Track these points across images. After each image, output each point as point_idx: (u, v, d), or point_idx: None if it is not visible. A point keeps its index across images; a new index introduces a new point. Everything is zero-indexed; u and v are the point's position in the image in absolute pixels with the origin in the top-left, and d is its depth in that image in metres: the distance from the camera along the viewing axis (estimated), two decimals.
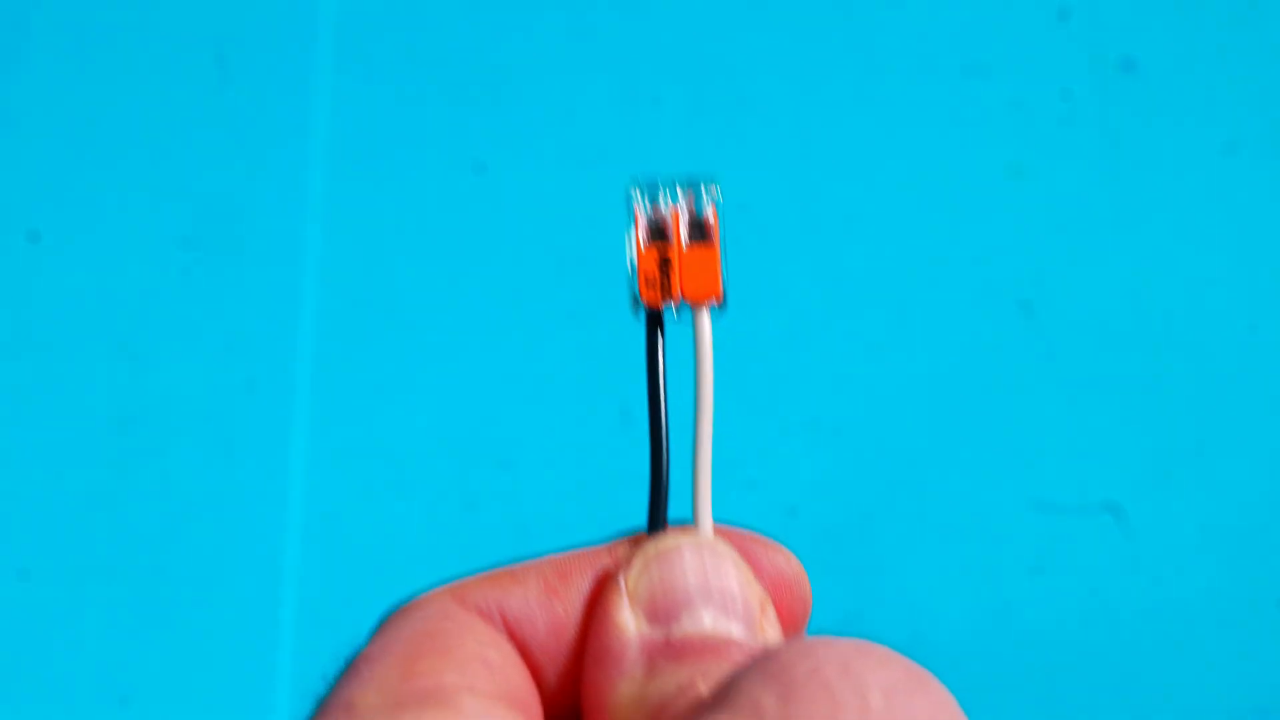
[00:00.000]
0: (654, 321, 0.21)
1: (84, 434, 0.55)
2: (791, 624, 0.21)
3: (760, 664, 0.16)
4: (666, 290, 0.21)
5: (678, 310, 0.21)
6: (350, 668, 0.18)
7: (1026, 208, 0.58)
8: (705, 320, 0.21)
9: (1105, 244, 0.58)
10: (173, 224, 0.58)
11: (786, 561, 0.21)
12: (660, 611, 0.19)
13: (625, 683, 0.19)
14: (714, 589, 0.19)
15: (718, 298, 0.22)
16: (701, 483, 0.21)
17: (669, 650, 0.19)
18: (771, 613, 0.20)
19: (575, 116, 0.60)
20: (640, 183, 0.22)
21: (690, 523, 0.21)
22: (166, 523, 0.54)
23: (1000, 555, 0.53)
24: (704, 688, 0.17)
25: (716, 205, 0.22)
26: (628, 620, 0.19)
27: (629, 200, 0.22)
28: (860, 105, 0.60)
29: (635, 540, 0.21)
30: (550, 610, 0.20)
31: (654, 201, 0.22)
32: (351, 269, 0.58)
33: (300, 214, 0.58)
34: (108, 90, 0.60)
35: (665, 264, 0.21)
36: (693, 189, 0.22)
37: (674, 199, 0.22)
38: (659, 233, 0.22)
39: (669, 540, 0.20)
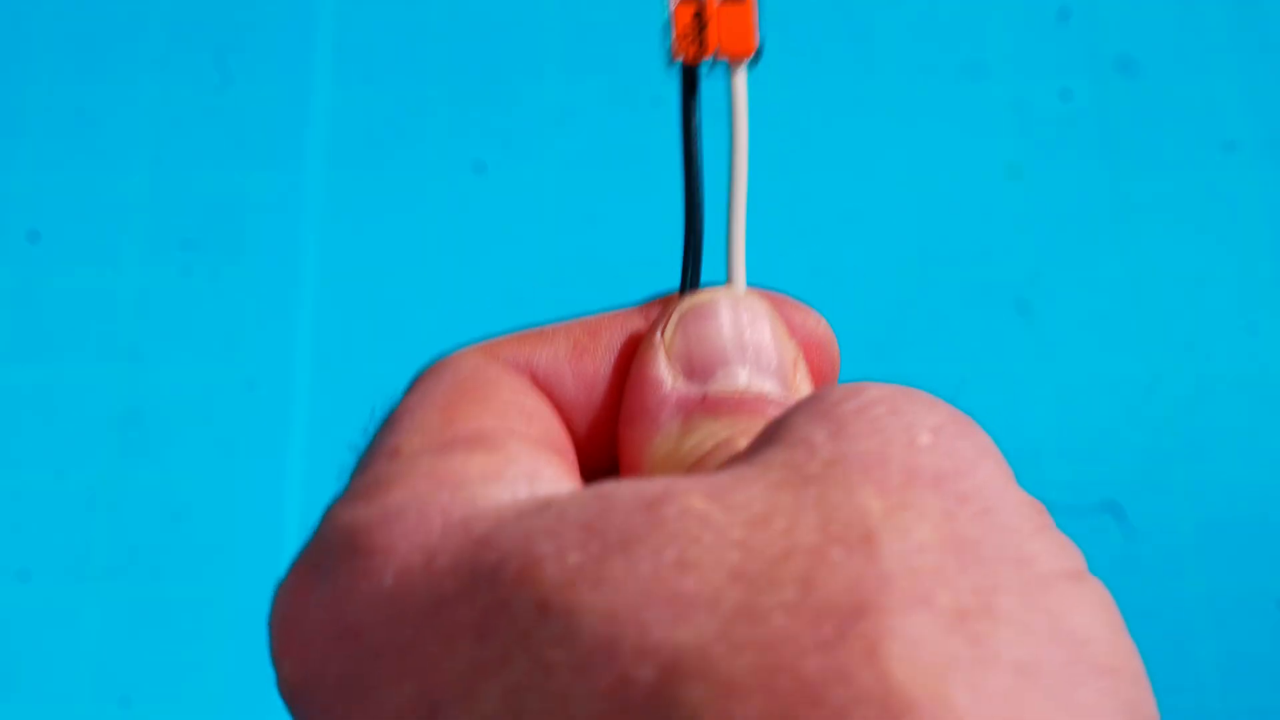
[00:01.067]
0: (689, 77, 0.21)
1: (84, 434, 0.55)
2: (821, 380, 0.21)
3: (807, 403, 0.16)
4: (702, 45, 0.21)
5: (712, 66, 0.21)
6: (389, 419, 0.18)
7: (1025, 208, 0.58)
8: (741, 76, 0.21)
9: (1104, 244, 0.58)
10: (173, 224, 0.58)
11: (816, 323, 0.21)
12: (697, 367, 0.19)
13: (661, 438, 0.18)
14: (749, 344, 0.19)
15: (754, 52, 0.21)
16: (736, 239, 0.21)
17: (705, 406, 0.18)
18: (804, 369, 0.20)
19: (575, 116, 0.60)
20: None
21: (722, 284, 0.21)
22: (166, 523, 0.54)
23: None
24: (743, 443, 0.17)
25: None
26: (665, 376, 0.19)
27: None
28: (860, 105, 0.60)
29: (667, 301, 0.21)
30: (580, 366, 0.20)
31: None
32: (351, 269, 0.58)
33: (300, 214, 0.58)
34: (108, 90, 0.60)
35: (700, 18, 0.21)
36: None
37: None
38: None
39: (704, 295, 0.20)
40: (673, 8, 0.21)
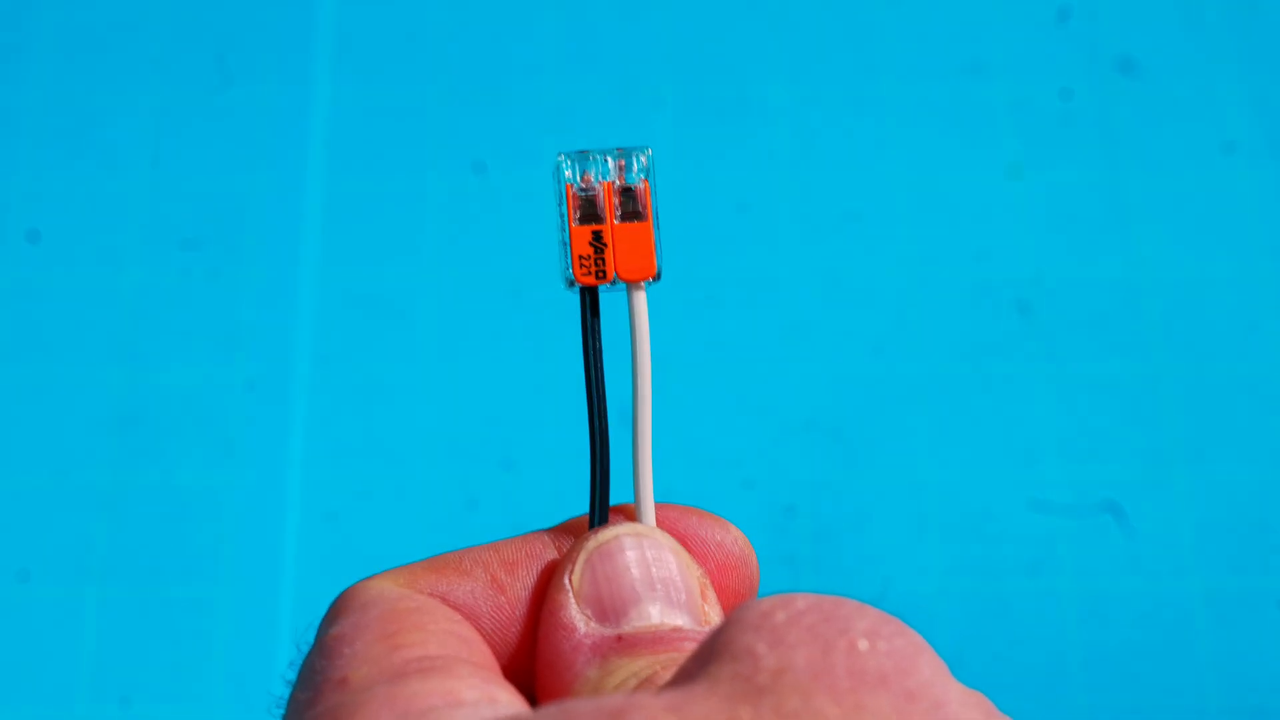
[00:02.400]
0: (588, 301, 0.21)
1: (84, 434, 0.55)
2: (739, 599, 0.21)
3: (739, 617, 0.16)
4: (601, 269, 0.21)
5: (613, 285, 0.21)
6: (320, 651, 0.18)
7: (1025, 207, 0.58)
8: (641, 299, 0.21)
9: (1104, 244, 0.58)
10: (173, 224, 0.58)
11: (733, 539, 0.21)
12: (608, 609, 0.19)
13: (581, 684, 0.18)
14: (657, 580, 0.19)
15: (652, 275, 0.21)
16: (642, 467, 0.20)
17: (622, 646, 0.19)
18: (712, 595, 0.20)
19: (575, 116, 0.60)
20: (569, 155, 0.21)
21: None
22: (166, 523, 0.54)
23: (998, 555, 0.53)
24: (666, 675, 0.17)
25: (648, 177, 0.21)
26: (577, 621, 0.19)
27: (558, 174, 0.21)
28: (860, 105, 0.60)
29: (576, 528, 0.21)
30: (496, 605, 0.20)
31: (585, 173, 0.21)
32: (351, 269, 0.58)
33: (300, 214, 0.58)
34: (108, 90, 0.60)
35: (599, 241, 0.21)
36: (624, 159, 0.21)
37: (605, 171, 0.21)
38: (590, 207, 0.21)
39: (608, 534, 0.20)
40: (570, 231, 0.20)
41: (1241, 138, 0.59)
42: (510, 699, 0.17)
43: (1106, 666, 0.52)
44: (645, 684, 0.18)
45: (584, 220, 0.21)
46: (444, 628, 0.18)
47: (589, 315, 0.21)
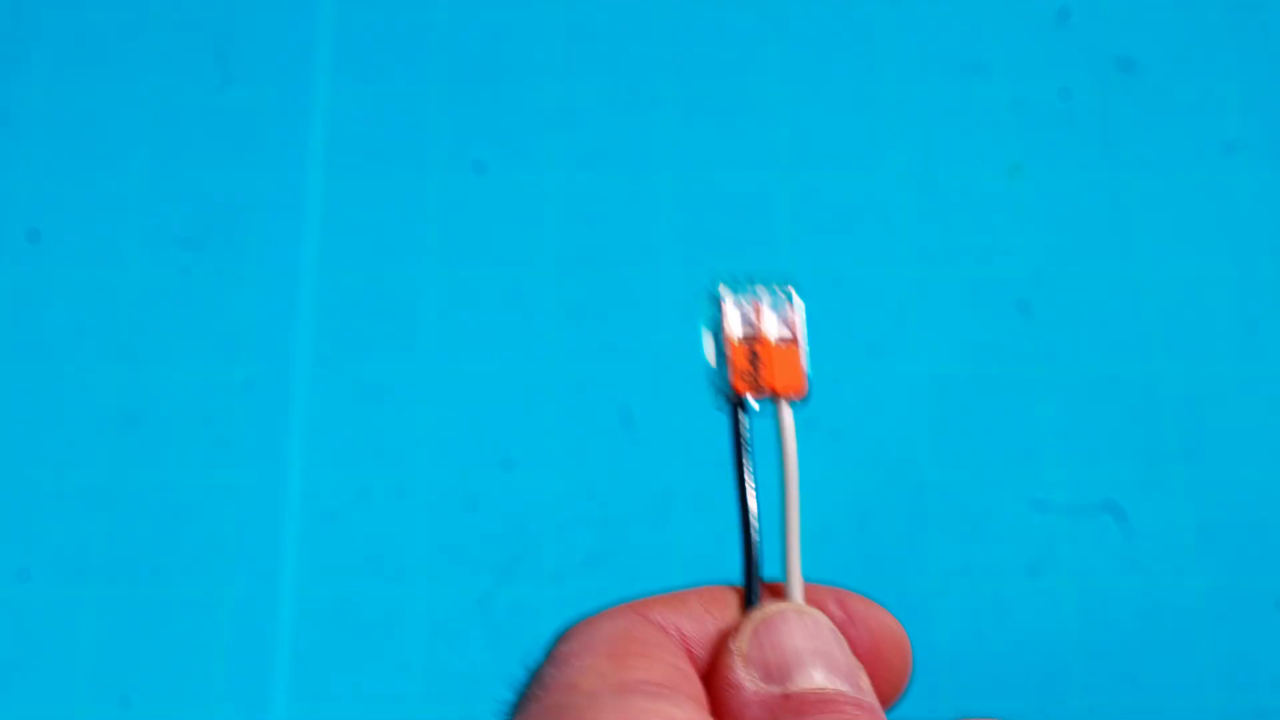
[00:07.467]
0: (740, 411, 0.22)
1: (84, 434, 0.55)
2: (892, 678, 0.22)
3: None
4: (756, 383, 0.22)
5: (759, 402, 0.22)
6: (553, 660, 0.19)
7: (1025, 207, 0.58)
8: (789, 413, 0.23)
9: (1104, 244, 0.58)
10: (173, 224, 0.58)
11: (892, 622, 0.22)
12: (774, 671, 0.20)
13: None
14: (820, 650, 0.20)
15: (802, 393, 0.23)
16: (792, 560, 0.22)
17: (789, 704, 0.20)
18: (865, 678, 0.21)
19: (575, 116, 0.60)
20: (726, 279, 0.23)
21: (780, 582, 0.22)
22: (166, 523, 0.54)
23: (998, 555, 0.53)
24: None
25: (799, 306, 0.23)
26: (744, 680, 0.20)
27: (716, 296, 0.23)
28: (860, 105, 0.60)
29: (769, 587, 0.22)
30: (713, 632, 0.21)
31: (739, 297, 0.23)
32: (351, 269, 0.58)
33: (300, 214, 0.58)
34: (108, 90, 0.60)
35: (754, 358, 0.23)
36: (773, 287, 0.23)
37: (756, 296, 0.23)
38: (746, 328, 0.23)
39: (773, 608, 0.21)
40: (729, 347, 0.22)
41: (1241, 138, 0.59)
42: None
43: (1106, 666, 0.52)
44: None
45: (741, 339, 0.23)
46: (669, 660, 0.19)
47: (739, 424, 0.23)
